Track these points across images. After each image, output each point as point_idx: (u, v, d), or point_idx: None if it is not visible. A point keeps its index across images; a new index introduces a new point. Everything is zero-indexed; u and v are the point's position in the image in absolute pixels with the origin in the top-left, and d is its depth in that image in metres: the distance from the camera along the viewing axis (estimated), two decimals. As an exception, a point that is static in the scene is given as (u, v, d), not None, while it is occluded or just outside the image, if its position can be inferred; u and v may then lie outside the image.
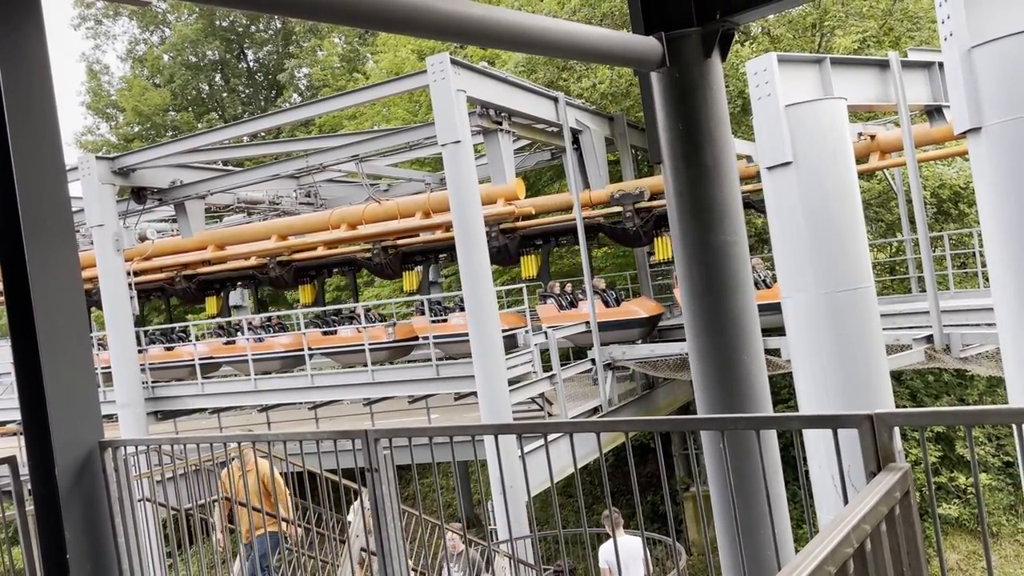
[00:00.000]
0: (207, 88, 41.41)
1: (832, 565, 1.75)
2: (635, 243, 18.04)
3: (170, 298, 22.45)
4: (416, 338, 17.14)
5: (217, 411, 18.50)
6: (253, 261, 19.75)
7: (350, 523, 8.08)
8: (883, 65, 12.70)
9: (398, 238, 18.30)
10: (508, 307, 18.61)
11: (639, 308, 17.05)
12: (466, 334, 13.71)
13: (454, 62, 13.18)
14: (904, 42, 20.49)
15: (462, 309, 16.55)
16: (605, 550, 8.72)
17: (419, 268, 19.17)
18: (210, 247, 19.26)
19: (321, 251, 19.07)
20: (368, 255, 18.75)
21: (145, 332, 20.28)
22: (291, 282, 20.04)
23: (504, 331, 14.82)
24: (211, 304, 21.49)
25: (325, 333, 17.96)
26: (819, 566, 1.71)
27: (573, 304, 17.19)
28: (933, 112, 14.20)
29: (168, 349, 19.35)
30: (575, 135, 17.23)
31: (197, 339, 19.91)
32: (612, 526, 8.13)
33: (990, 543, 18.52)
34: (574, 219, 16.20)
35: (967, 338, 12.98)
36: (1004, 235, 7.97)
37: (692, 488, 20.11)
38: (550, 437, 3.69)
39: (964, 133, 8.27)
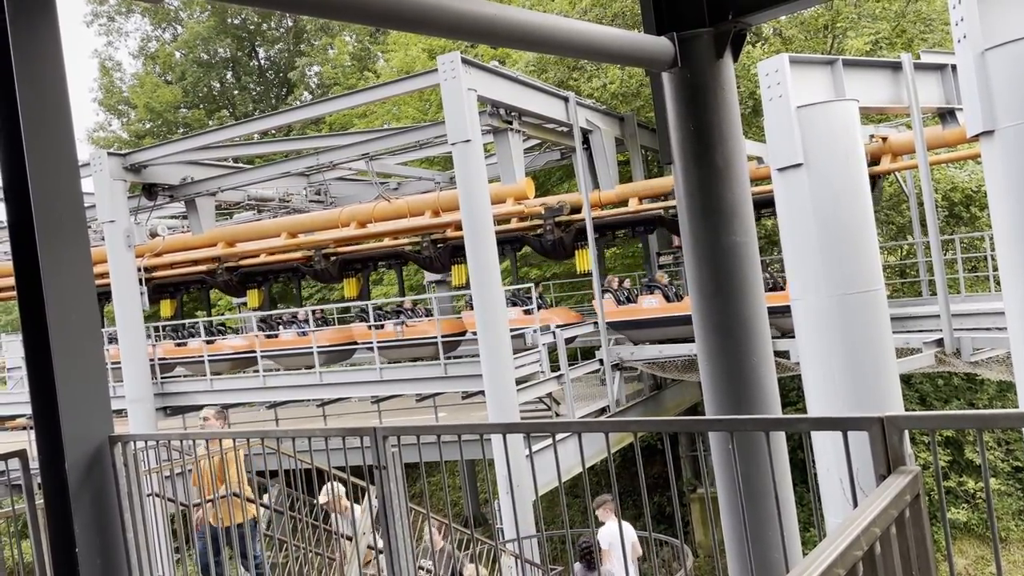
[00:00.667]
0: (218, 85, 41.57)
1: (841, 568, 1.74)
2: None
3: (210, 290, 22.51)
4: (464, 332, 17.18)
5: (225, 408, 18.55)
6: (299, 254, 19.72)
7: (319, 503, 7.75)
8: (896, 67, 12.64)
9: (447, 231, 18.23)
10: (557, 304, 18.63)
11: None
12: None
13: (465, 61, 13.19)
14: (917, 44, 20.39)
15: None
16: (607, 531, 8.70)
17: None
18: (220, 244, 19.33)
19: (366, 246, 19.10)
20: (417, 248, 18.57)
21: (183, 327, 20.39)
22: (336, 275, 20.02)
23: (559, 326, 15.00)
24: (253, 297, 21.47)
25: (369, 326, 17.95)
26: (828, 568, 1.70)
27: (631, 299, 16.93)
28: (946, 115, 14.13)
29: (209, 342, 19.28)
30: (585, 135, 17.21)
31: (234, 332, 19.92)
32: (615, 511, 8.21)
33: (1000, 548, 18.43)
34: (588, 217, 16.22)
35: (978, 342, 12.92)
36: (1016, 239, 7.93)
37: (699, 489, 20.06)
38: (557, 437, 3.68)
39: (977, 136, 8.23)
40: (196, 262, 20.59)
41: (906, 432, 2.38)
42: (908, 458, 2.33)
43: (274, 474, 8.61)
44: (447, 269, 19.24)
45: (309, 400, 17.60)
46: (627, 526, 8.90)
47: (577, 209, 16.97)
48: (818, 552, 1.76)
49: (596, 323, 16.23)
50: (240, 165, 21.69)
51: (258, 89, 41.82)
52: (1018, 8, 7.90)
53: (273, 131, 27.36)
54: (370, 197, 19.66)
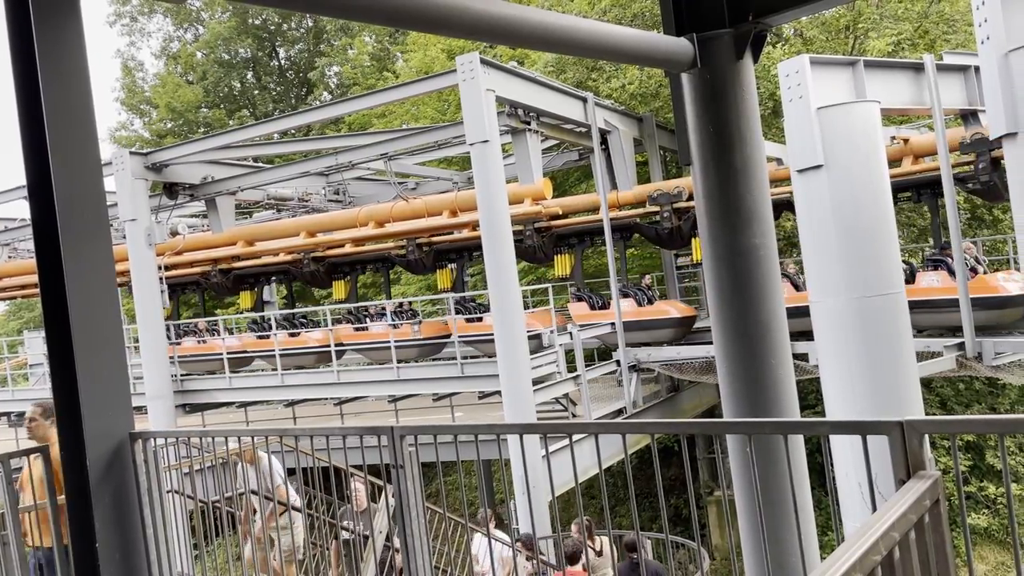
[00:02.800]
0: (239, 85, 41.87)
1: (860, 572, 1.73)
2: (670, 244, 17.89)
3: (204, 292, 22.68)
4: (447, 336, 17.26)
5: (244, 405, 18.70)
6: (287, 257, 19.88)
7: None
8: (918, 68, 12.52)
9: (431, 235, 18.33)
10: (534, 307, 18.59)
11: (671, 308, 17.08)
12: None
13: (484, 62, 13.21)
14: (939, 45, 20.18)
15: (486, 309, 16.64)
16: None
17: (452, 266, 19.21)
18: (240, 243, 19.47)
19: (353, 248, 19.17)
20: (402, 252, 18.76)
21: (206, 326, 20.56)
22: (325, 278, 20.16)
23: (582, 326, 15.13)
24: (245, 299, 21.66)
25: (357, 329, 18.07)
26: (847, 573, 1.69)
27: (650, 301, 17.10)
28: (968, 116, 13.98)
29: (294, 335, 19.36)
30: (603, 136, 17.19)
31: (231, 332, 20.10)
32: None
33: (1021, 554, 18.22)
34: (607, 218, 16.20)
35: (999, 346, 12.78)
36: (1040, 242, 7.84)
37: (716, 492, 19.98)
38: (574, 438, 3.68)
39: (1000, 138, 8.15)
40: (217, 260, 20.70)
41: (926, 437, 2.36)
42: (928, 463, 2.32)
43: (292, 472, 8.67)
44: (431, 271, 19.42)
45: (326, 399, 17.70)
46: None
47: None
48: (837, 556, 1.75)
49: (579, 326, 16.23)
50: (260, 165, 21.83)
51: (278, 89, 42.08)
52: (1043, 9, 7.81)
53: (293, 131, 27.53)
54: (388, 197, 19.73)
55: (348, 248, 19.29)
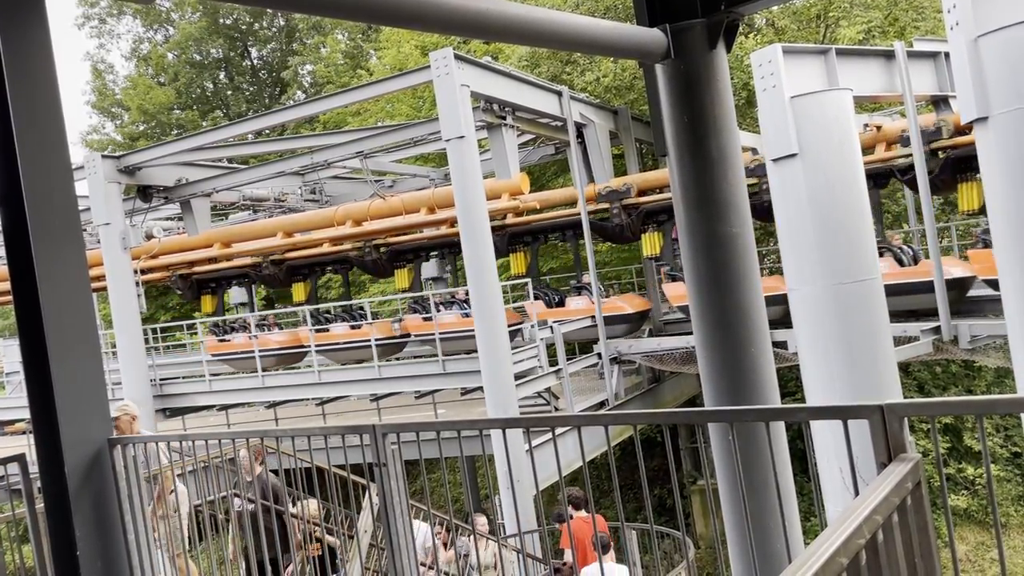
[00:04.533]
0: (211, 86, 41.48)
1: (844, 556, 1.74)
2: (620, 240, 18.26)
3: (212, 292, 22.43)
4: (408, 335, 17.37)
5: (225, 408, 18.56)
6: (248, 260, 19.77)
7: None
8: (889, 55, 12.63)
9: (389, 236, 18.36)
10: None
11: (625, 304, 17.25)
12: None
13: (458, 57, 13.16)
14: (910, 32, 20.38)
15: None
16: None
17: (410, 266, 19.23)
18: (216, 245, 19.29)
19: (311, 251, 19.14)
20: (359, 253, 18.76)
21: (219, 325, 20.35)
22: (284, 281, 20.10)
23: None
24: (206, 303, 21.40)
25: (318, 331, 18.08)
26: (831, 557, 1.70)
27: (562, 302, 17.61)
28: (939, 102, 14.13)
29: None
30: (579, 129, 17.20)
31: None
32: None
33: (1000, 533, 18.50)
34: (584, 212, 16.27)
35: (975, 328, 12.94)
36: (1011, 224, 7.94)
37: (700, 481, 20.10)
38: (557, 431, 3.68)
39: (971, 123, 8.23)
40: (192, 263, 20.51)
41: (906, 420, 2.38)
42: (909, 445, 2.33)
43: (275, 473, 8.60)
44: (390, 274, 19.40)
45: (308, 399, 17.61)
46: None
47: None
48: (821, 541, 1.76)
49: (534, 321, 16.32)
50: (235, 165, 21.64)
51: (251, 89, 41.73)
52: (1010, -6, 7.88)
53: (267, 131, 27.28)
54: (365, 195, 19.63)
55: (305, 252, 19.27)
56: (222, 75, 41.54)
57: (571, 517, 8.38)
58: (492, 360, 13.18)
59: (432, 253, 19.56)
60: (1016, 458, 19.27)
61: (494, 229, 17.35)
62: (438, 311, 17.06)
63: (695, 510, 20.19)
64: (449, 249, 19.06)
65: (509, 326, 14.53)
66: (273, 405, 17.97)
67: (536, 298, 17.51)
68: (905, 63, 12.36)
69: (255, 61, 42.34)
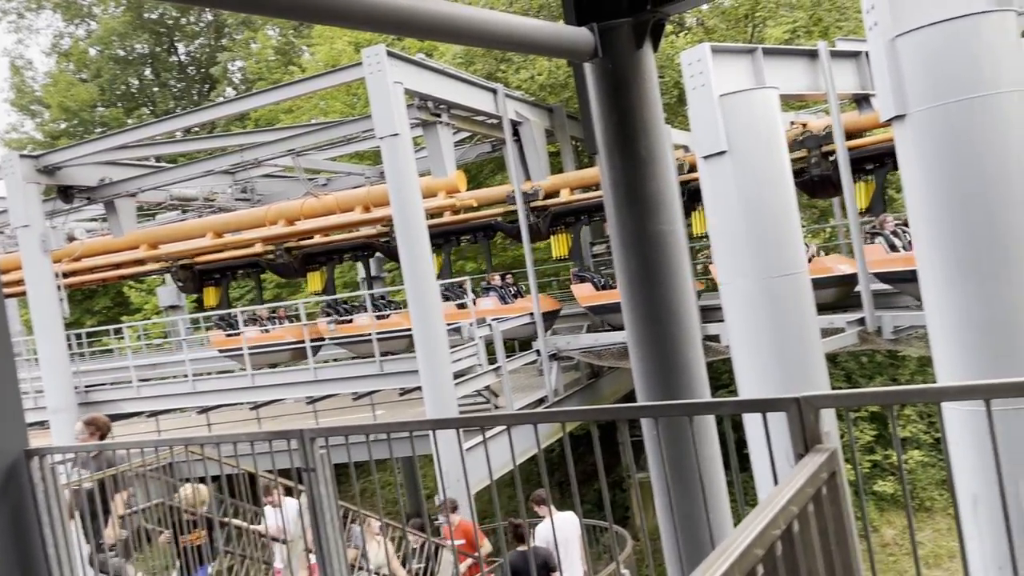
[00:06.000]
0: (137, 83, 40.27)
1: (760, 548, 1.77)
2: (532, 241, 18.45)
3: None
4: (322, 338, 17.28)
5: (155, 414, 18.03)
6: (163, 264, 19.33)
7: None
8: (813, 55, 12.95)
9: (301, 239, 18.20)
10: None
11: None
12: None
13: (390, 54, 13.04)
14: (833, 32, 20.96)
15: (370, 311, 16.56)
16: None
17: (324, 268, 19.02)
18: (142, 246, 18.74)
19: (221, 255, 18.82)
20: (271, 256, 18.52)
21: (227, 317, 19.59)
22: (195, 287, 19.74)
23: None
24: (209, 295, 20.88)
25: (229, 335, 17.76)
26: (747, 549, 1.73)
27: (516, 296, 17.48)
28: (861, 100, 14.57)
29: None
30: (515, 127, 17.23)
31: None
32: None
33: (924, 517, 19.25)
34: (522, 209, 16.31)
35: (897, 319, 13.38)
36: (929, 219, 8.21)
37: (639, 474, 20.35)
38: (495, 430, 3.68)
39: (890, 120, 8.49)
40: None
41: (824, 411, 2.44)
42: (825, 436, 2.39)
43: (202, 480, 8.38)
44: (302, 276, 19.22)
45: (242, 403, 17.22)
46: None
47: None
48: (737, 533, 1.78)
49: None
50: (162, 164, 21.06)
51: (179, 86, 40.64)
52: (925, -4, 8.15)
53: (196, 128, 26.58)
54: (298, 194, 19.29)
55: (214, 255, 18.96)
56: (148, 71, 40.35)
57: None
58: (430, 359, 13.11)
59: (346, 255, 19.41)
60: (938, 444, 20.01)
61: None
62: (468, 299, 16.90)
63: (633, 504, 20.44)
64: (364, 251, 19.00)
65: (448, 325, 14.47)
66: (205, 410, 17.53)
67: (446, 299, 17.25)
68: (828, 62, 12.69)
69: (182, 57, 41.24)
